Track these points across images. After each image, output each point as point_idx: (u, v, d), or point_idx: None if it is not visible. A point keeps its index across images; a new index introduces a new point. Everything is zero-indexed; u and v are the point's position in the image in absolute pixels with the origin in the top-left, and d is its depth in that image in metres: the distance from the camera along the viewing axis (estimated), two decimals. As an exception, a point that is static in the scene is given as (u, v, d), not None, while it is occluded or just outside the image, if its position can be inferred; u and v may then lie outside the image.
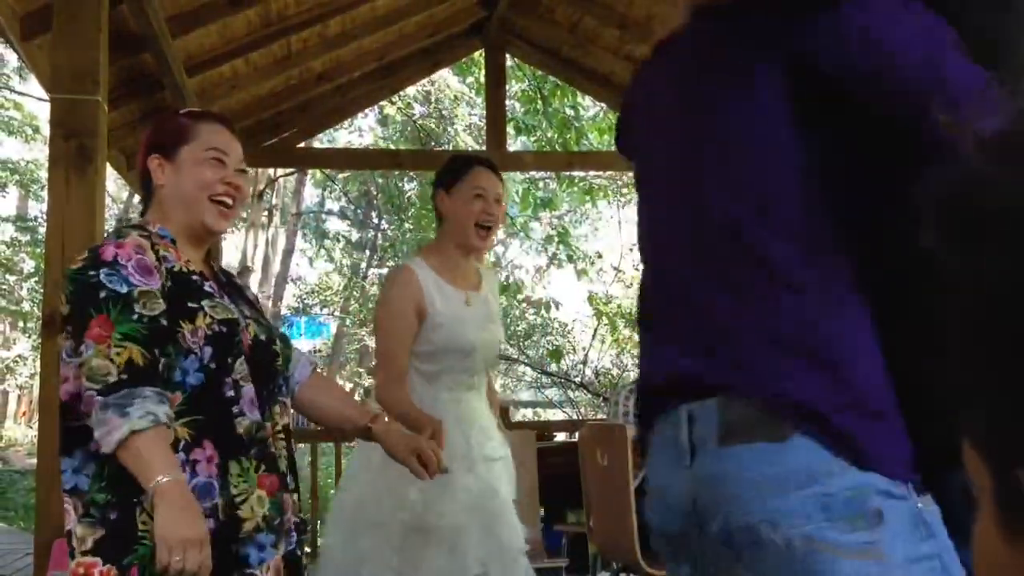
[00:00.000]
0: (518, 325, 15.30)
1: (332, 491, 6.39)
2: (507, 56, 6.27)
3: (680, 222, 1.22)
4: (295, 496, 1.99)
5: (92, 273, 1.77)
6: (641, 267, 1.34)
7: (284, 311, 19.41)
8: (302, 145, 6.75)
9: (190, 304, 1.86)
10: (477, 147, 12.61)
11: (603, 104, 8.10)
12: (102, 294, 1.75)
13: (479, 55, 7.94)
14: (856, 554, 1.01)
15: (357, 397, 20.00)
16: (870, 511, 1.01)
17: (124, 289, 1.76)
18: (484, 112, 6.39)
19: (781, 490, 1.04)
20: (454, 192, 2.68)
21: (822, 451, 1.03)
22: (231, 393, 1.87)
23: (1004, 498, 0.39)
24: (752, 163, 1.14)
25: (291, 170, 14.31)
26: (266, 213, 15.90)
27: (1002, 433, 0.38)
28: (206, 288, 1.93)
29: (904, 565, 1.01)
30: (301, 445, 7.09)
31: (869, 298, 1.10)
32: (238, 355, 1.90)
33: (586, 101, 10.29)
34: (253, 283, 14.36)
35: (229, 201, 1.98)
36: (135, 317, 1.76)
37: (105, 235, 2.20)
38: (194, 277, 1.92)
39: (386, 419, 2.21)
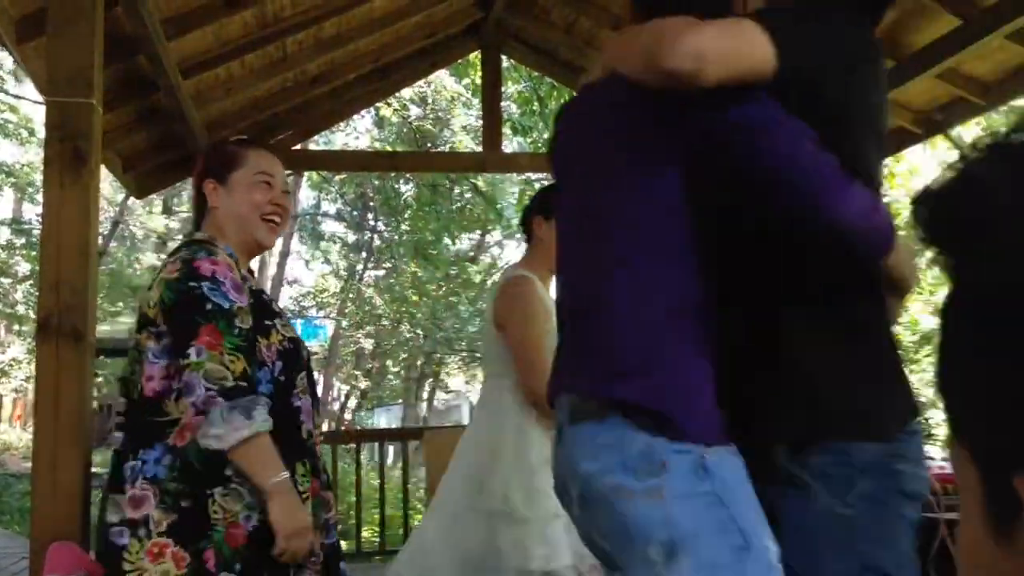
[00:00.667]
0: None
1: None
2: (503, 57, 6.26)
3: (573, 253, 1.59)
4: (330, 494, 2.18)
5: (194, 284, 1.96)
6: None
7: (280, 313, 19.38)
8: (298, 147, 6.74)
9: (266, 321, 2.08)
10: (474, 148, 12.60)
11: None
12: (208, 306, 1.94)
13: (475, 56, 7.94)
14: (645, 494, 1.34)
15: (352, 400, 20.03)
16: (657, 463, 1.35)
17: (227, 304, 1.96)
18: (480, 113, 6.38)
19: (600, 453, 1.40)
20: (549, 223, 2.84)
21: (626, 426, 1.38)
22: (297, 403, 2.09)
23: (994, 500, 0.39)
24: (620, 213, 1.48)
25: (287, 172, 14.29)
26: (262, 215, 15.87)
27: (1000, 439, 0.38)
28: (274, 307, 2.18)
29: (682, 499, 1.33)
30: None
31: (702, 317, 1.45)
32: (301, 369, 2.13)
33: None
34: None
35: (277, 219, 2.23)
36: (236, 332, 1.96)
37: (100, 238, 2.27)
38: (264, 296, 2.16)
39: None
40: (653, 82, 1.39)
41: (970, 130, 7.81)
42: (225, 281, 1.99)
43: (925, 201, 0.41)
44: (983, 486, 0.40)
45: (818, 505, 1.41)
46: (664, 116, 1.43)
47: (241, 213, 2.18)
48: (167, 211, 19.75)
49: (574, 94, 1.78)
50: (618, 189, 1.48)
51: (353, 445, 7.14)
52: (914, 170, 9.23)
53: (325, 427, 18.19)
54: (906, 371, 1.56)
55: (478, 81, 8.79)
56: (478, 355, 16.44)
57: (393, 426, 19.44)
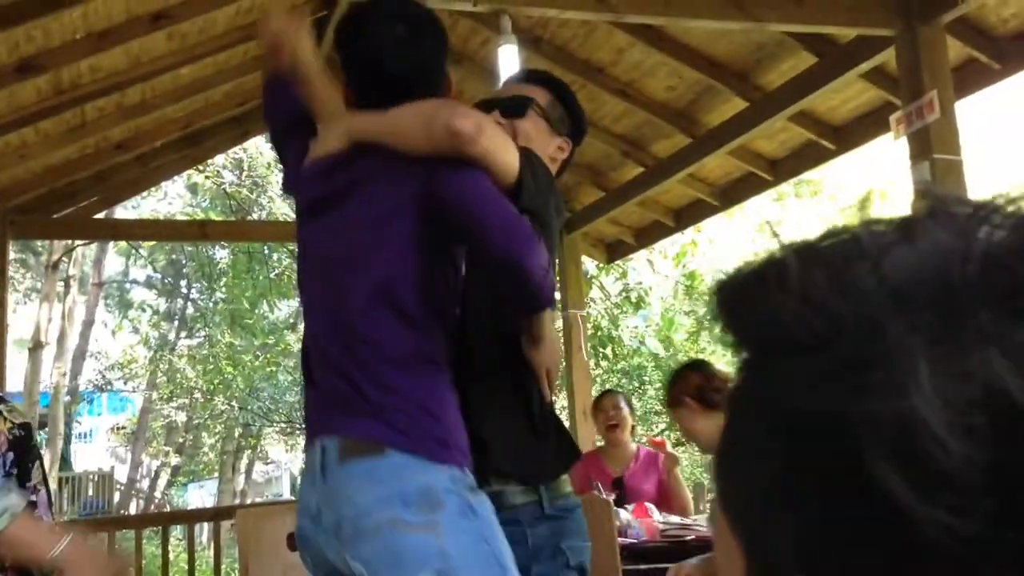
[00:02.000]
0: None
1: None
2: None
3: (328, 299, 1.72)
4: None
5: None
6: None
7: (83, 386, 18.25)
8: (101, 215, 6.45)
9: None
10: (292, 216, 12.40)
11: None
12: None
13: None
14: (423, 528, 1.49)
15: (164, 477, 19.01)
16: (435, 500, 1.51)
17: None
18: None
19: (377, 488, 1.53)
20: None
21: (408, 460, 1.54)
22: (33, 498, 1.88)
23: None
24: (379, 263, 1.66)
25: (86, 242, 13.59)
26: (62, 284, 14.99)
27: (776, 542, 0.39)
28: None
29: (455, 534, 1.50)
30: (101, 534, 6.63)
31: (452, 368, 1.69)
32: (34, 458, 1.91)
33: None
34: (47, 359, 13.43)
35: None
36: None
37: None
38: None
39: None
40: (424, 142, 1.64)
41: (761, 202, 8.35)
42: None
43: (723, 288, 0.41)
44: (747, 567, 0.41)
45: None
46: (410, 177, 1.67)
47: None
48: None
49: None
50: (373, 244, 1.69)
51: (159, 528, 6.75)
52: (711, 240, 9.78)
53: (133, 508, 17.15)
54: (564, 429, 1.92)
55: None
56: (299, 425, 16.00)
57: (208, 503, 18.54)
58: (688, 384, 2.85)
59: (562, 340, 7.20)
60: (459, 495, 1.55)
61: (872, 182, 10.87)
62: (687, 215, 6.14)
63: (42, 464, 1.99)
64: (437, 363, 1.66)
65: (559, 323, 8.27)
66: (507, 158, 1.66)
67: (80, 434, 20.61)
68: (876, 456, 0.34)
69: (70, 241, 12.89)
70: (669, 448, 4.46)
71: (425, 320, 1.66)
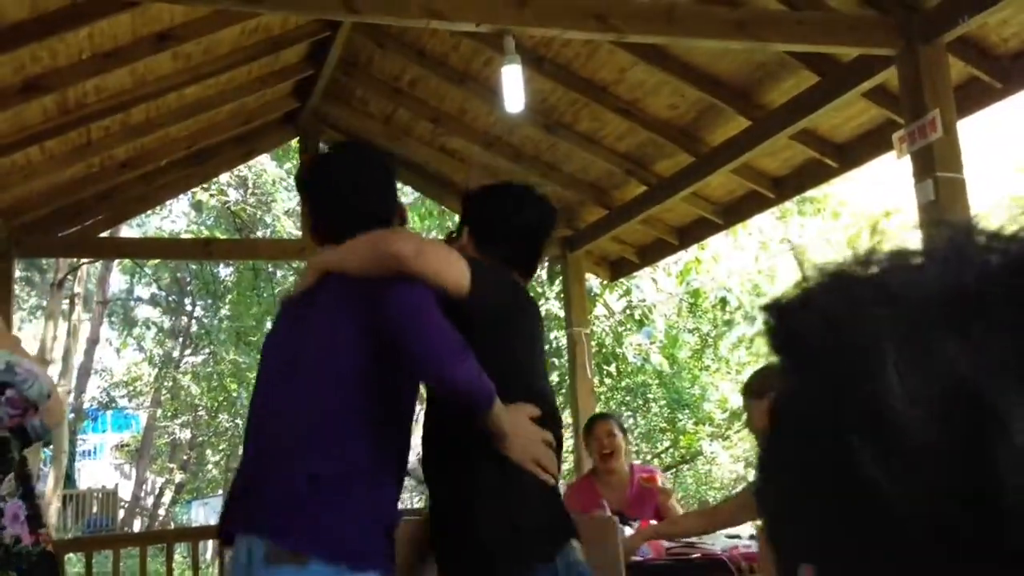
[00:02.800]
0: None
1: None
2: (322, 145, 6.25)
3: (275, 405, 1.92)
4: None
5: None
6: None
7: (88, 404, 18.25)
8: (106, 234, 6.47)
9: None
10: (296, 233, 12.43)
11: (419, 192, 8.19)
12: None
13: (296, 143, 7.90)
14: None
15: (168, 494, 18.99)
16: None
17: None
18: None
19: None
20: None
21: (328, 571, 1.68)
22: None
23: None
24: (326, 387, 1.85)
25: (90, 260, 13.61)
26: (67, 301, 15.01)
27: (791, 532, 0.44)
28: None
29: None
30: (106, 552, 6.62)
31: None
32: (7, 471, 1.93)
33: (404, 187, 10.40)
34: (52, 376, 13.44)
35: None
36: None
37: None
38: None
39: None
40: (375, 265, 1.86)
41: (765, 218, 8.34)
42: None
43: (770, 309, 0.45)
44: (779, 565, 0.45)
45: None
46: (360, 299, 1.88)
47: None
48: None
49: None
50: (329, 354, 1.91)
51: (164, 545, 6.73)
52: (716, 257, 9.78)
53: (137, 525, 17.11)
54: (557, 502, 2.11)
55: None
56: (302, 443, 15.94)
57: (212, 520, 18.51)
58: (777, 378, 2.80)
59: (566, 358, 7.18)
60: None
61: (876, 200, 10.88)
62: (690, 233, 6.15)
63: (23, 479, 2.02)
64: (372, 473, 1.83)
65: (564, 341, 8.25)
66: (452, 271, 1.88)
67: (84, 451, 20.58)
68: (851, 437, 0.38)
69: (75, 259, 12.93)
70: (660, 482, 4.33)
71: (366, 437, 1.84)
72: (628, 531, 3.69)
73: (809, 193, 7.32)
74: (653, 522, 3.89)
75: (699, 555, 3.54)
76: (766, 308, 0.45)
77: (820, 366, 0.42)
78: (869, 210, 10.19)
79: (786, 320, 0.44)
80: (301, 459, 1.80)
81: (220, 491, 19.71)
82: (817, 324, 0.42)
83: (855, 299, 0.41)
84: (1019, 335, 0.37)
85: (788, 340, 0.44)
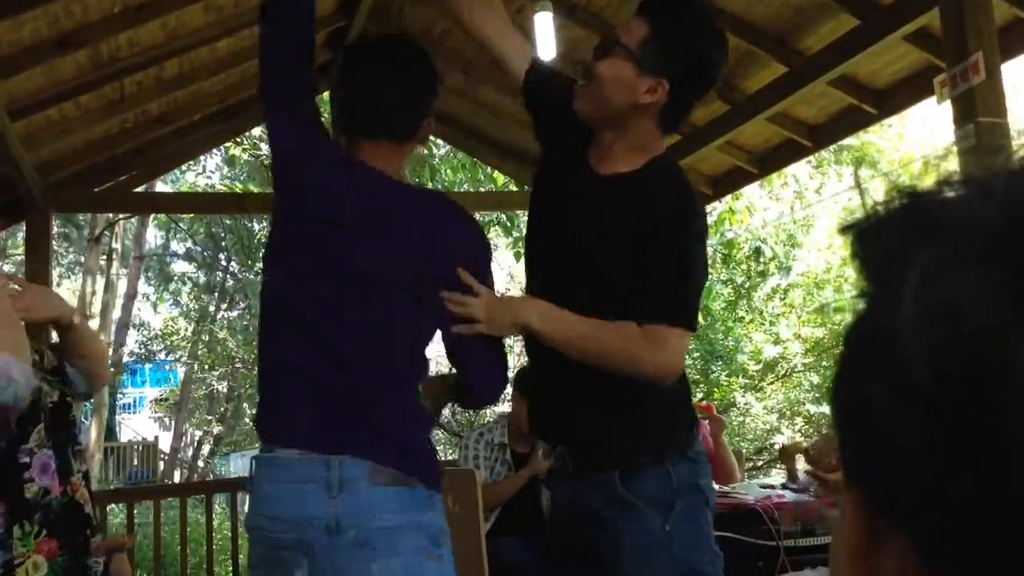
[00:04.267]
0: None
1: (177, 547, 6.11)
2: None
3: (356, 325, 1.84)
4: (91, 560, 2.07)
5: None
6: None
7: (127, 358, 18.56)
8: (141, 189, 6.52)
9: None
10: (327, 187, 12.43)
11: (451, 144, 8.17)
12: None
13: (327, 96, 7.88)
14: (437, 559, 1.76)
15: (207, 446, 19.33)
16: (445, 537, 1.79)
17: None
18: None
19: (408, 515, 1.74)
20: None
21: (428, 494, 1.77)
22: (24, 459, 1.97)
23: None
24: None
25: (127, 216, 13.75)
26: (105, 257, 15.20)
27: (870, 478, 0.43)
28: None
29: (449, 562, 1.79)
30: (146, 503, 6.76)
31: None
32: (37, 422, 1.99)
33: (436, 140, 10.38)
34: (94, 328, 13.63)
35: None
36: None
37: None
38: None
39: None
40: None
41: (800, 167, 8.23)
42: None
43: (846, 231, 0.45)
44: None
45: (648, 525, 1.88)
46: None
47: None
48: None
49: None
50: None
51: (203, 496, 6.88)
52: (751, 207, 9.68)
53: (177, 476, 17.46)
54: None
55: (330, 120, 8.72)
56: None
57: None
58: None
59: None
60: (448, 535, 1.84)
61: (913, 147, 10.68)
62: (725, 182, 6.08)
63: (65, 428, 2.08)
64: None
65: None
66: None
67: (125, 405, 20.98)
68: (863, 361, 0.41)
69: (111, 215, 13.06)
70: (715, 413, 4.42)
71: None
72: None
73: (846, 141, 7.21)
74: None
75: (730, 504, 3.55)
76: (844, 230, 0.46)
77: (864, 293, 0.43)
78: (907, 155, 10.02)
79: (852, 245, 0.45)
80: (405, 388, 1.84)
81: (256, 444, 20.01)
82: (872, 253, 0.43)
83: (908, 227, 0.41)
84: None
85: (853, 264, 0.45)
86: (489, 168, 9.09)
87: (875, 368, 0.39)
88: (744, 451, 11.07)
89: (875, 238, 0.43)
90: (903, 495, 0.39)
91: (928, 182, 0.42)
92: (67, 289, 17.00)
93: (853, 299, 0.45)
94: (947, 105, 3.47)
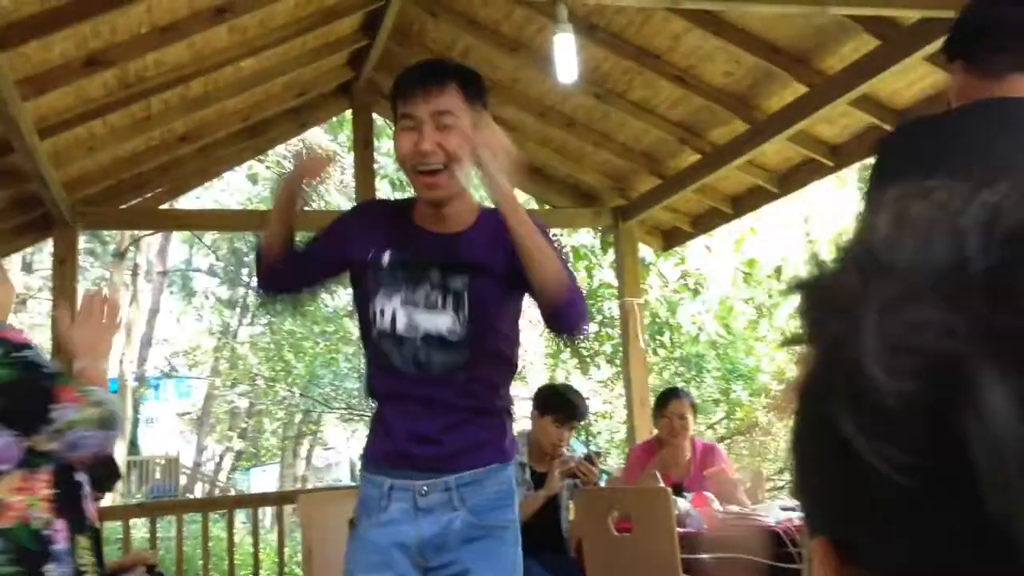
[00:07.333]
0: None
1: (199, 562, 6.14)
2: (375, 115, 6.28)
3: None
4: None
5: (17, 355, 1.96)
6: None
7: (150, 373, 18.68)
8: (166, 206, 6.59)
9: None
10: (348, 204, 12.52)
11: (473, 163, 8.18)
12: (45, 370, 1.99)
13: (350, 114, 7.94)
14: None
15: (228, 461, 19.41)
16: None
17: (51, 365, 2.04)
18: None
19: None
20: None
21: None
22: (79, 478, 2.08)
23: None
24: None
25: (149, 232, 13.87)
26: (129, 272, 15.34)
27: (807, 505, 0.47)
28: None
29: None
30: (168, 517, 6.80)
31: None
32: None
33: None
34: (116, 346, 13.75)
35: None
36: None
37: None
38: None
39: None
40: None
41: (821, 188, 8.21)
42: (35, 345, 2.04)
43: (802, 283, 0.46)
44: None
45: None
46: None
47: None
48: (27, 268, 18.91)
49: None
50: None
51: (225, 511, 6.90)
52: (770, 226, 9.64)
53: (198, 491, 17.53)
54: None
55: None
56: (357, 412, 16.19)
57: (270, 487, 18.89)
58: None
59: (619, 328, 7.16)
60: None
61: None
62: (745, 202, 6.08)
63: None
64: None
65: (616, 311, 8.22)
66: None
67: (147, 419, 21.10)
68: (831, 395, 0.41)
69: (136, 231, 13.18)
70: (732, 474, 4.35)
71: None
72: (682, 503, 3.70)
73: (870, 160, 7.17)
74: (709, 495, 3.89)
75: (753, 526, 3.53)
76: (796, 288, 0.47)
77: (817, 340, 0.44)
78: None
79: (804, 301, 0.46)
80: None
81: (277, 459, 20.10)
82: (820, 298, 0.45)
83: (854, 272, 0.43)
84: (998, 308, 0.38)
85: (799, 314, 0.46)
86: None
87: (843, 407, 0.40)
88: (765, 472, 10.99)
89: (827, 288, 0.44)
90: (876, 539, 0.41)
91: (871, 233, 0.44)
92: (92, 304, 17.13)
93: (800, 356, 0.46)
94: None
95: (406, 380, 2.07)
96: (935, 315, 0.38)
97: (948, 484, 0.37)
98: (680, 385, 10.68)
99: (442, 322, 2.04)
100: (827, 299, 0.44)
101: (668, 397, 4.53)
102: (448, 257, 2.08)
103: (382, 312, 2.07)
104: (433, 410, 2.05)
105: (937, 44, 3.77)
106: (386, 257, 2.08)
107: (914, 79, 4.41)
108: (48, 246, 8.46)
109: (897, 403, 0.38)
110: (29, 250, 15.93)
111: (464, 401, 2.07)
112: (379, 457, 2.12)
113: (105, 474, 2.22)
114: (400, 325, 2.05)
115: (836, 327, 0.42)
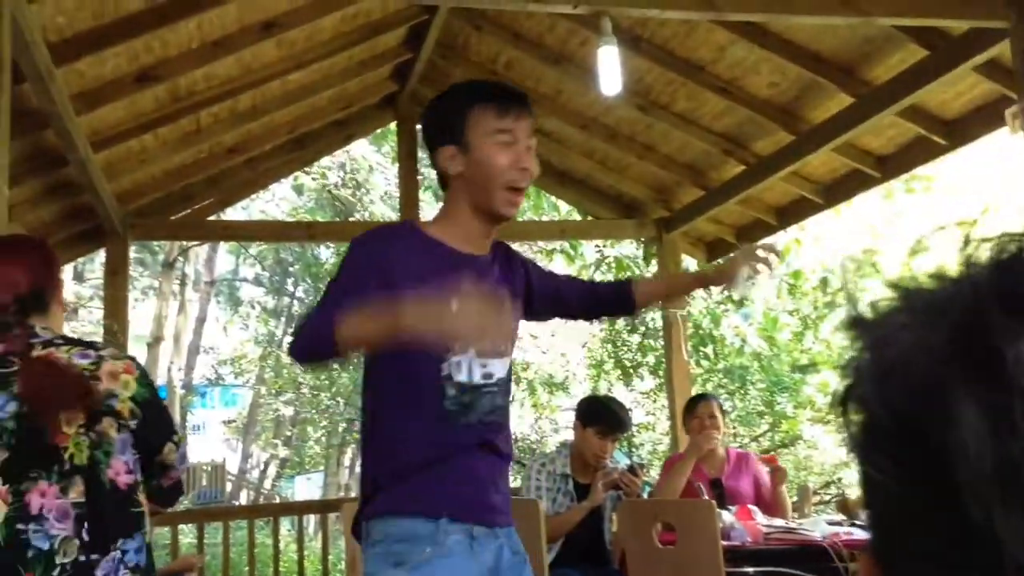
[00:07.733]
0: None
1: (245, 568, 6.21)
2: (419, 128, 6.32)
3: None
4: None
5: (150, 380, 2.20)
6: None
7: (197, 381, 18.94)
8: (213, 217, 6.69)
9: None
10: (392, 215, 12.62)
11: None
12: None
13: (394, 126, 8.01)
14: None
15: (273, 468, 19.60)
16: None
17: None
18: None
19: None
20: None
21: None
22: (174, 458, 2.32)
23: None
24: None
25: (197, 243, 14.08)
26: (178, 282, 15.58)
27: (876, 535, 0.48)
28: None
29: None
30: (215, 524, 6.89)
31: None
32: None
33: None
34: (164, 354, 14.00)
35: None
36: None
37: None
38: None
39: None
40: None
41: (868, 198, 8.10)
42: None
43: (851, 322, 0.49)
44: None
45: None
46: None
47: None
48: (78, 278, 19.28)
49: None
50: None
51: (270, 518, 6.98)
52: (816, 238, 9.54)
53: (244, 497, 17.72)
54: None
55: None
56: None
57: (314, 494, 19.04)
58: None
59: (662, 340, 7.13)
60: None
61: (988, 177, 10.44)
62: (790, 213, 6.03)
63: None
64: None
65: (659, 322, 8.18)
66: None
67: (194, 426, 21.38)
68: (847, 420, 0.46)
69: (184, 242, 13.39)
70: (778, 463, 4.40)
71: None
72: (726, 516, 3.68)
73: (917, 171, 7.08)
74: (754, 508, 3.86)
75: (798, 540, 3.50)
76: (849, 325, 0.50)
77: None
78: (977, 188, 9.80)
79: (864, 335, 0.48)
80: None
81: (321, 467, 20.27)
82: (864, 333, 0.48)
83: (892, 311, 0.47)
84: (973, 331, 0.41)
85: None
86: (552, 197, 9.13)
87: (854, 424, 0.45)
88: (811, 485, 10.85)
89: (868, 323, 0.48)
90: (886, 544, 0.44)
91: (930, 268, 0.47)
92: (142, 313, 17.40)
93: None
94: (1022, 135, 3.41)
95: (472, 431, 1.95)
96: (922, 346, 0.42)
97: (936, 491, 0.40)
98: (723, 396, 10.61)
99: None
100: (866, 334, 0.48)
101: (696, 400, 4.55)
102: (497, 281, 2.03)
103: (458, 364, 1.92)
104: (493, 458, 2.00)
105: (987, 55, 3.73)
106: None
107: (963, 89, 4.35)
108: (98, 256, 8.64)
109: (891, 422, 0.42)
110: (80, 260, 16.25)
111: (507, 448, 2.04)
112: (457, 508, 1.91)
113: (174, 488, 2.31)
114: (476, 375, 1.94)
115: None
